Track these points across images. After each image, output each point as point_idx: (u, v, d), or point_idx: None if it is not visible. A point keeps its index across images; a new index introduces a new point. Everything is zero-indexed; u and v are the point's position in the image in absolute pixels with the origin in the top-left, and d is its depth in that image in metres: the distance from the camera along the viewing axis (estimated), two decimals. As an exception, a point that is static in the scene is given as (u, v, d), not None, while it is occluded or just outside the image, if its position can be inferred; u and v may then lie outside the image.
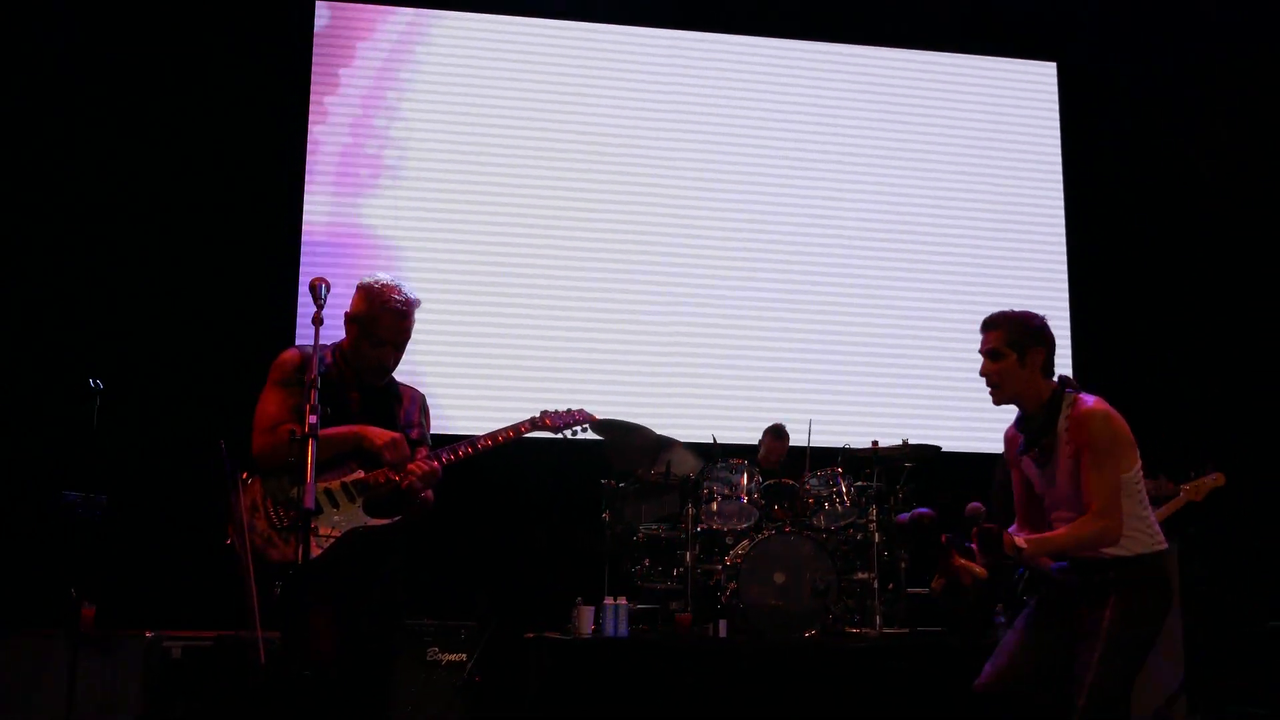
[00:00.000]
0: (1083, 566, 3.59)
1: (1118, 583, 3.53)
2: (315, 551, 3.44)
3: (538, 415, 4.09)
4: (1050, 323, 3.94)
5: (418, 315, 3.79)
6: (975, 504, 6.26)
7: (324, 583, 3.47)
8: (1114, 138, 8.62)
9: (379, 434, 3.62)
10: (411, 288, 3.76)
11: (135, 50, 7.22)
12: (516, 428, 3.97)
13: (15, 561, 5.81)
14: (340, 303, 3.73)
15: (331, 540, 3.50)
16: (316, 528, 3.47)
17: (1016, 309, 3.85)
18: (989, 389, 3.79)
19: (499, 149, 7.74)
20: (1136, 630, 3.52)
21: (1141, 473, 3.63)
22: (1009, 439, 3.90)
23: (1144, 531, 3.59)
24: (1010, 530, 3.75)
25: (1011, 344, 3.74)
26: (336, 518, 3.55)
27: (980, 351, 3.80)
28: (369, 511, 3.60)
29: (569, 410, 4.16)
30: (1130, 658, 3.52)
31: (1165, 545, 3.64)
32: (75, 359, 6.57)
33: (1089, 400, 3.66)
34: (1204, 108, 8.46)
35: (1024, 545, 3.50)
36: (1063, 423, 3.65)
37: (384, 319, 3.67)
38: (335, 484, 3.59)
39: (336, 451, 3.56)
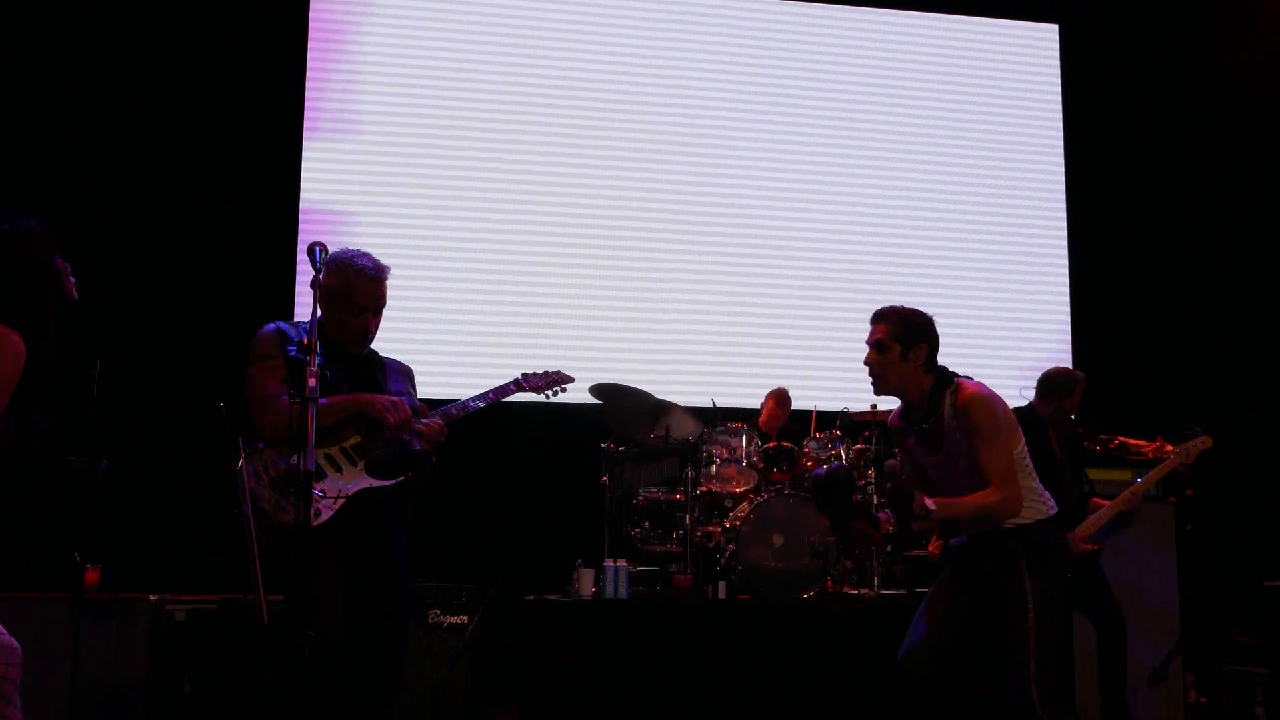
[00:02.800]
0: (987, 540, 3.80)
1: (1024, 550, 3.73)
2: (326, 514, 3.49)
3: (519, 377, 4.17)
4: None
5: (400, 283, 3.88)
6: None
7: (335, 545, 3.51)
8: (1116, 101, 8.59)
9: (379, 399, 3.66)
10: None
11: (129, 15, 7.21)
12: (503, 389, 4.05)
13: (19, 527, 5.83)
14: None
15: (341, 501, 3.54)
16: (324, 490, 3.51)
17: (906, 306, 3.99)
18: (871, 379, 3.97)
19: (496, 110, 7.72)
20: (1052, 590, 3.73)
21: (1026, 448, 3.83)
22: (893, 426, 4.11)
23: (1036, 501, 3.80)
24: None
25: (896, 338, 3.88)
26: (341, 481, 3.58)
27: (866, 343, 3.96)
28: (372, 473, 3.64)
29: (546, 372, 4.26)
30: (1053, 617, 3.72)
31: (1055, 510, 3.86)
32: (74, 325, 6.57)
33: (971, 385, 3.83)
34: (1207, 71, 8.42)
35: (933, 508, 3.64)
36: (947, 410, 3.80)
37: (360, 286, 3.73)
38: (335, 450, 3.62)
39: (335, 420, 3.60)
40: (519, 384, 4.16)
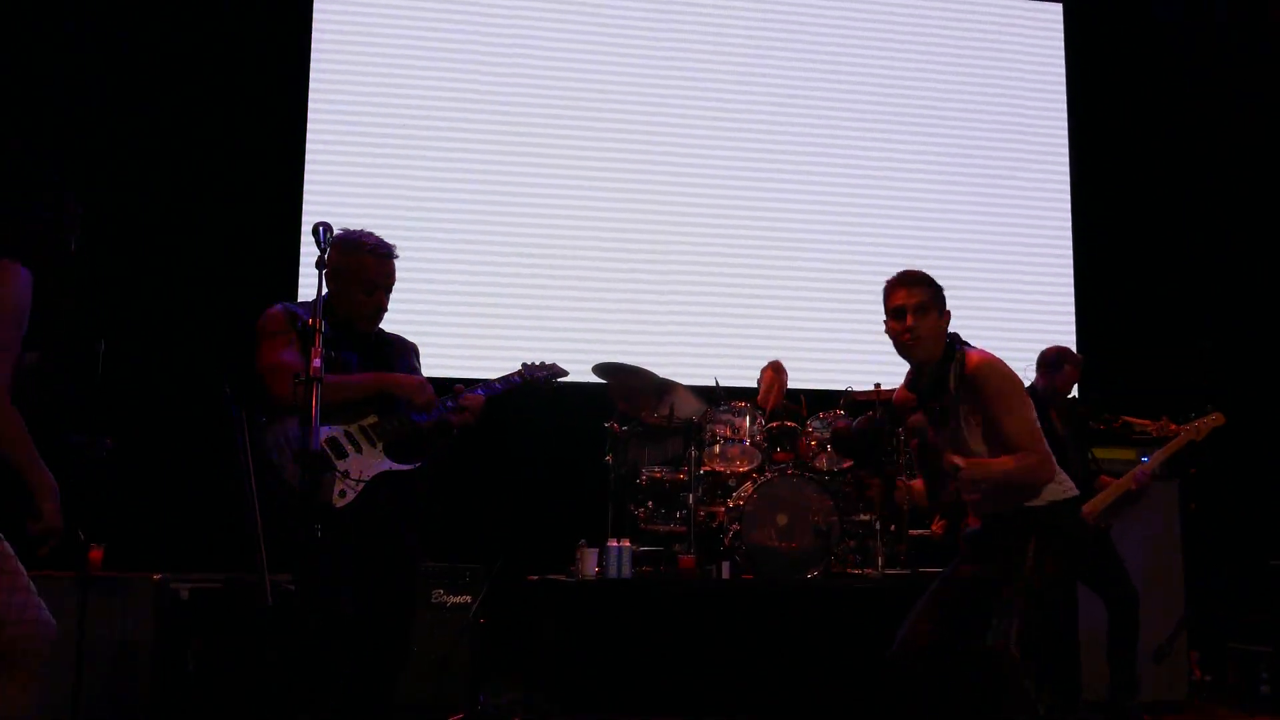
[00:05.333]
0: (1002, 522, 3.64)
1: (1037, 526, 3.56)
2: (351, 495, 3.51)
3: (521, 368, 4.21)
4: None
5: (402, 262, 3.92)
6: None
7: (348, 527, 3.52)
8: (1120, 79, 8.56)
9: (406, 379, 3.68)
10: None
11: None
12: (507, 379, 4.09)
13: (22, 505, 5.84)
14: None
15: (362, 484, 3.55)
16: (348, 470, 3.52)
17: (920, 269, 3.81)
18: (907, 344, 3.70)
19: (497, 90, 7.69)
20: (1051, 576, 3.56)
21: (1037, 418, 3.64)
22: (898, 401, 3.92)
23: (1055, 481, 3.63)
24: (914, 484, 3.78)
25: (936, 299, 3.70)
26: (361, 461, 3.59)
27: (907, 306, 3.69)
28: (391, 455, 3.65)
29: (543, 363, 4.30)
30: (1050, 589, 3.57)
31: (1076, 492, 3.70)
32: (78, 303, 6.57)
33: (976, 353, 3.65)
34: (1211, 50, 8.39)
35: (962, 464, 3.49)
36: (953, 381, 3.62)
37: (371, 264, 3.76)
38: (354, 428, 3.63)
39: (358, 397, 3.62)
40: (522, 375, 4.18)
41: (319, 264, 3.36)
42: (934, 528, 6.69)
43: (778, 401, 6.84)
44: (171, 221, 7.09)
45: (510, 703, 5.71)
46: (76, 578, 4.82)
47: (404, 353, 3.93)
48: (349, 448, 3.60)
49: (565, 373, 4.39)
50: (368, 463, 3.61)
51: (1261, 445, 7.37)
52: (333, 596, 3.45)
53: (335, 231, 3.74)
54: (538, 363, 4.30)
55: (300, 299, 6.38)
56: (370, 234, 3.83)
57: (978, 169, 8.33)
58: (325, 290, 3.74)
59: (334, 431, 3.57)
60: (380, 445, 3.66)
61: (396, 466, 3.65)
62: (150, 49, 7.21)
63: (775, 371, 6.94)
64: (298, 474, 3.45)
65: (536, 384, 4.22)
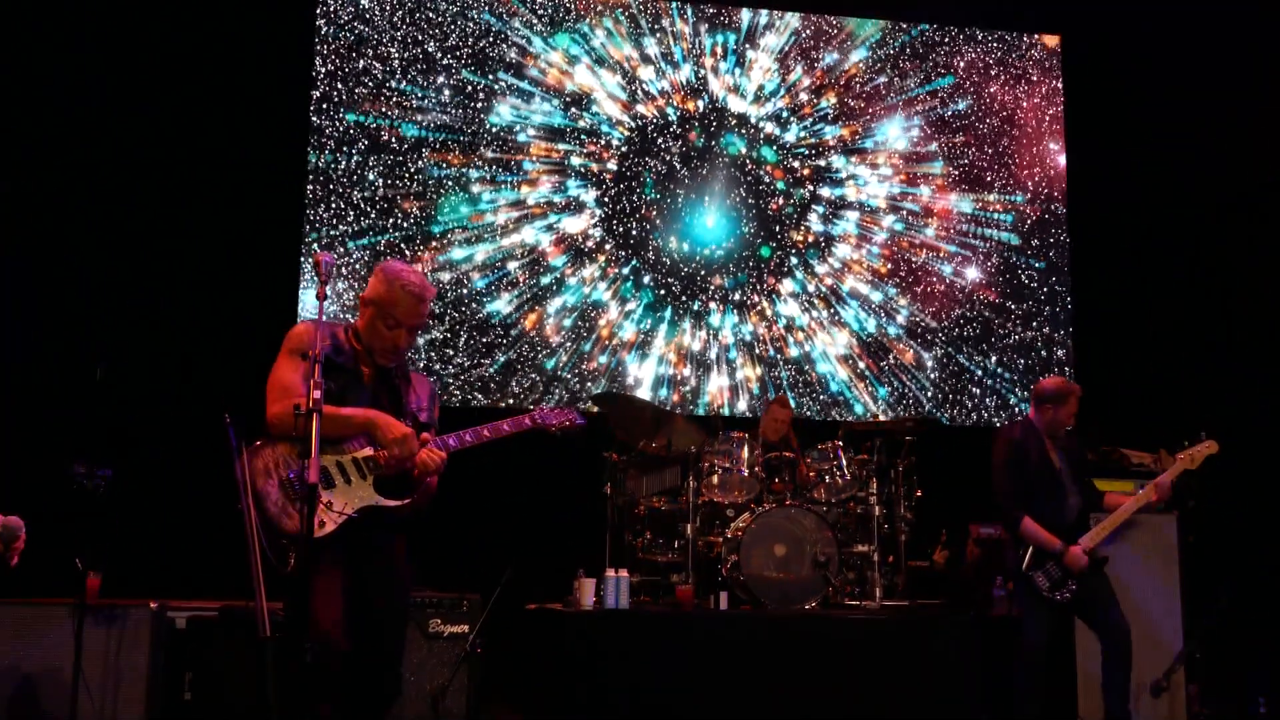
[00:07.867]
0: None
1: None
2: (330, 527, 3.49)
3: (535, 412, 4.16)
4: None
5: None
6: None
7: (337, 556, 3.51)
8: (1118, 111, 8.59)
9: (391, 427, 3.65)
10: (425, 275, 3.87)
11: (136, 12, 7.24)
12: (517, 422, 4.02)
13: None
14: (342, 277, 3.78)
15: (346, 517, 3.54)
16: (331, 501, 3.51)
17: None
18: None
19: (504, 109, 7.73)
20: None
21: None
22: None
23: None
24: None
25: None
26: (349, 493, 3.58)
27: None
28: (380, 490, 3.64)
29: (560, 409, 4.24)
30: None
31: None
32: (79, 332, 6.62)
33: None
34: (1209, 81, 8.42)
35: None
36: None
37: (402, 301, 3.73)
38: (346, 458, 3.63)
39: (347, 431, 3.62)
40: (534, 420, 4.12)
41: (319, 297, 3.38)
42: (935, 558, 6.69)
43: (783, 434, 6.84)
44: (170, 248, 7.08)
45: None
46: (74, 606, 4.83)
47: (418, 390, 3.92)
48: (338, 478, 3.59)
49: (584, 422, 4.27)
50: (354, 495, 3.60)
51: (1258, 476, 7.36)
52: (324, 624, 3.44)
53: (387, 262, 3.78)
54: (551, 408, 4.27)
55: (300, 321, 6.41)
56: (413, 272, 3.82)
57: (976, 198, 8.35)
58: (354, 319, 3.79)
59: (324, 461, 3.55)
60: (370, 479, 3.65)
61: (383, 502, 3.64)
62: (149, 67, 7.22)
63: (781, 406, 6.94)
64: (280, 501, 3.47)
65: (548, 431, 4.15)
